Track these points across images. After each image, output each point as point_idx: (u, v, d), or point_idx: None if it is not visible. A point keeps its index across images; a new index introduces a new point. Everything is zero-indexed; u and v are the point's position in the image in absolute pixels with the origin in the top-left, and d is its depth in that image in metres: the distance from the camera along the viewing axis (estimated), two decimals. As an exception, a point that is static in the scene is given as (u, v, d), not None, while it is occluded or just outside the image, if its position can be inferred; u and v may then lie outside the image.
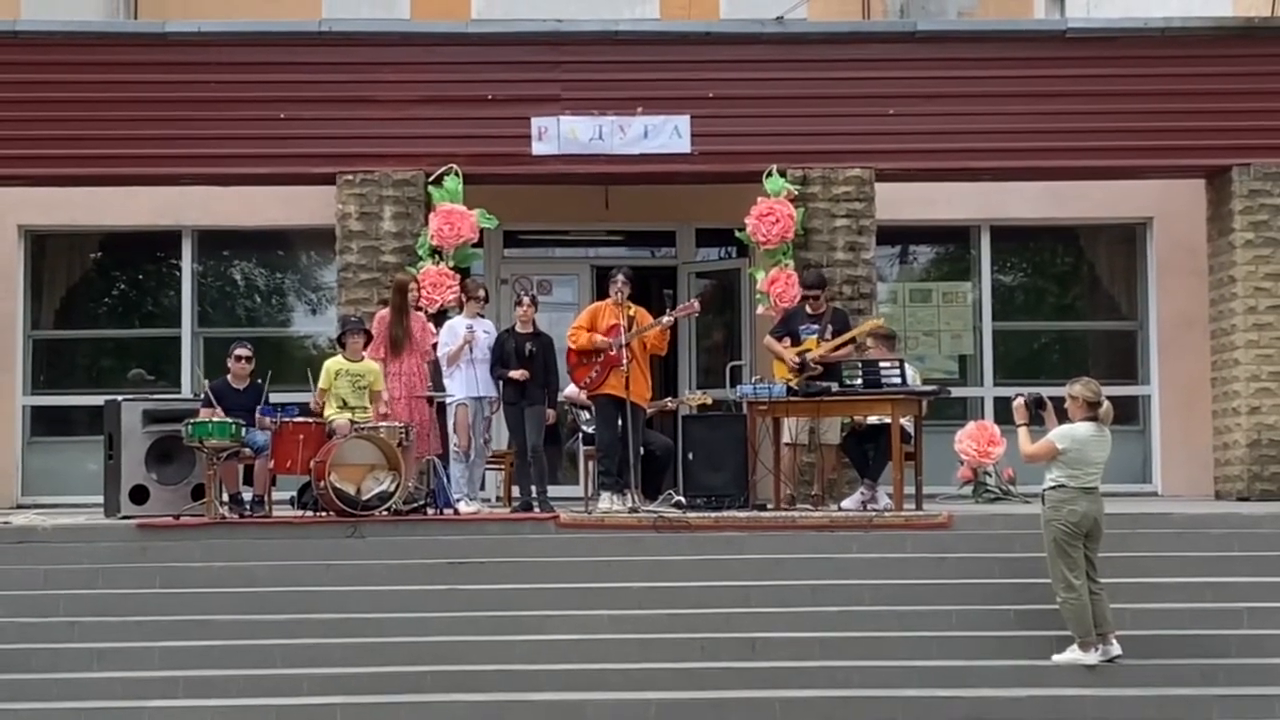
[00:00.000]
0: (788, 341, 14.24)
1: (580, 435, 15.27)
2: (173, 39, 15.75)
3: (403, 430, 12.98)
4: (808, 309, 14.39)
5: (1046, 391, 11.29)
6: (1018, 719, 10.39)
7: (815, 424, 14.15)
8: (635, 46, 15.92)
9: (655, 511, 13.03)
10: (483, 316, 14.31)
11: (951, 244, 17.74)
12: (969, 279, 17.44)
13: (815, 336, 14.15)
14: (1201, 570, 12.01)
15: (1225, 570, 12.02)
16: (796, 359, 13.95)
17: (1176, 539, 12.50)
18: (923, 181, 16.25)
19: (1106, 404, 10.76)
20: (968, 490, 15.63)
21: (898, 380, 13.34)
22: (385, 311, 13.97)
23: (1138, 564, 11.94)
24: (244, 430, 12.89)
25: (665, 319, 13.84)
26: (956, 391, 16.22)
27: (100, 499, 13.97)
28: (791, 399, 13.54)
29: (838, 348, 14.04)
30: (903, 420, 13.41)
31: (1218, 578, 11.89)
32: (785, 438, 14.03)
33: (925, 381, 14.41)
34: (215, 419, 12.82)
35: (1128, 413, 16.58)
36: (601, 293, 15.09)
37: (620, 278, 13.80)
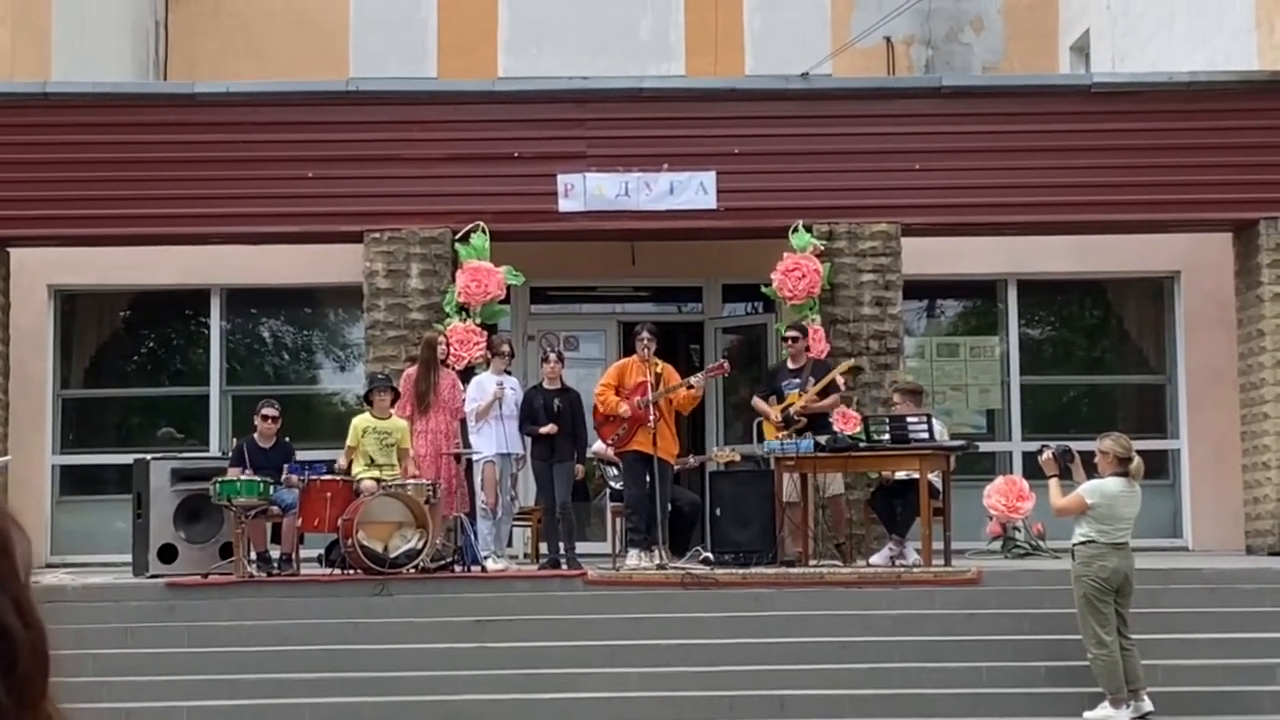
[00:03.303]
0: (774, 399, 14.18)
1: (608, 491, 15.26)
2: (201, 99, 15.86)
3: (430, 488, 12.99)
4: (789, 364, 14.35)
5: (1075, 446, 11.24)
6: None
7: (819, 480, 13.97)
8: (661, 103, 15.98)
9: (683, 568, 13.00)
10: (509, 373, 14.33)
11: (978, 298, 17.71)
12: (996, 333, 17.39)
13: (796, 390, 14.10)
14: (1233, 626, 11.94)
15: (1257, 626, 11.95)
16: (779, 415, 13.86)
17: (1208, 594, 12.43)
18: (949, 236, 16.24)
19: (1137, 460, 10.72)
20: (997, 546, 15.55)
21: (925, 435, 13.30)
22: (413, 369, 14.00)
23: (1169, 619, 11.88)
24: (272, 488, 12.92)
25: (695, 380, 13.81)
26: (984, 446, 16.16)
27: (129, 558, 14.00)
28: (819, 454, 13.49)
29: (820, 394, 13.97)
30: (931, 475, 13.37)
31: (1249, 633, 11.82)
32: (786, 496, 13.76)
33: (953, 436, 14.37)
34: (243, 477, 12.85)
35: (1157, 467, 16.48)
36: (628, 348, 15.09)
37: (645, 334, 13.78)
